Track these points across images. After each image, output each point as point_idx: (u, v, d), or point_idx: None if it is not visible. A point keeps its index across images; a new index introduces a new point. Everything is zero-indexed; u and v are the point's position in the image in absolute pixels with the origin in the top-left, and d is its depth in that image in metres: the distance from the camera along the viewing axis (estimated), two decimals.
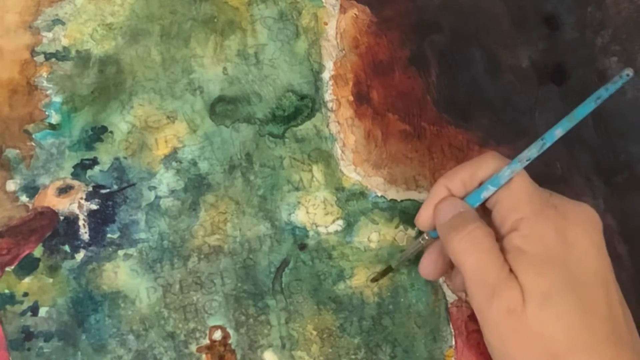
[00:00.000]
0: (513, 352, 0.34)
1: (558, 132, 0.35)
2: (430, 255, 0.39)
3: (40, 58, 0.44)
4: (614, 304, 0.34)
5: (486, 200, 0.36)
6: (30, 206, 0.42)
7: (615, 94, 0.45)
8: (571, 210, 0.35)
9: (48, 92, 0.44)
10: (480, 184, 0.36)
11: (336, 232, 0.42)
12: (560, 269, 0.33)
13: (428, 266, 0.39)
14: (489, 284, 0.34)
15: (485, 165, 0.36)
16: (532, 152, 0.35)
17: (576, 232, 0.34)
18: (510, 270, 0.34)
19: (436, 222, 0.37)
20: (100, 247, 0.41)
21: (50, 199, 0.42)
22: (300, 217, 0.43)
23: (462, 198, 0.37)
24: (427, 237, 0.38)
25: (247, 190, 0.43)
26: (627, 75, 0.34)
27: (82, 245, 0.41)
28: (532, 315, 0.33)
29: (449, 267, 0.39)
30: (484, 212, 0.37)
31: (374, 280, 0.41)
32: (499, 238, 0.35)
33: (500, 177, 0.35)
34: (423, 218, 0.38)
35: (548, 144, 0.35)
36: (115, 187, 0.42)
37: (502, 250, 0.35)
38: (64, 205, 0.42)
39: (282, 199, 0.43)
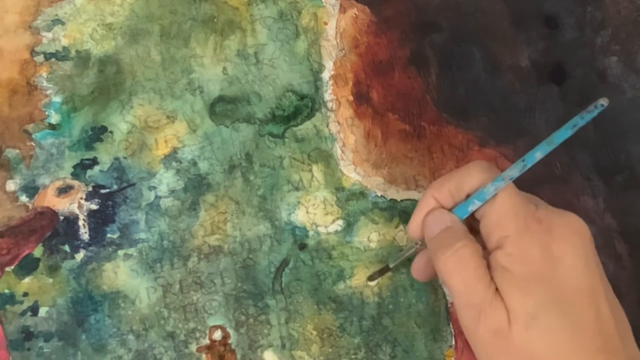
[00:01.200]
0: None
1: (538, 154, 0.36)
2: (421, 258, 0.39)
3: (40, 58, 0.44)
4: (604, 316, 0.33)
5: (474, 212, 0.36)
6: (30, 206, 0.42)
7: (614, 93, 0.45)
8: (557, 223, 0.35)
9: (48, 92, 0.44)
10: (467, 196, 0.36)
11: (336, 232, 0.42)
12: (546, 287, 0.33)
13: (419, 269, 0.39)
14: (475, 305, 0.34)
15: (471, 177, 0.36)
16: (513, 172, 0.36)
17: (562, 247, 0.34)
18: (497, 289, 0.34)
19: (425, 235, 0.37)
20: (100, 247, 0.41)
21: (50, 199, 0.42)
22: (300, 217, 0.43)
23: (451, 209, 0.37)
24: (419, 242, 0.38)
25: (247, 190, 0.43)
26: (602, 105, 0.35)
27: (82, 245, 0.41)
28: (518, 336, 0.33)
29: None
30: (474, 220, 0.37)
31: (371, 279, 0.41)
32: (486, 251, 0.35)
33: (485, 193, 0.35)
34: (413, 229, 0.38)
35: (529, 165, 0.36)
36: (115, 187, 0.42)
37: (489, 266, 0.35)
38: (64, 205, 0.42)
39: (282, 199, 0.43)
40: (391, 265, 0.41)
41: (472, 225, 0.37)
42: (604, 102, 0.35)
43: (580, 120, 0.36)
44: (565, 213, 0.35)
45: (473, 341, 0.35)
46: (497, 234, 0.35)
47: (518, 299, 0.33)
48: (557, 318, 0.33)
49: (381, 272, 0.41)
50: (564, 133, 0.36)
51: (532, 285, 0.33)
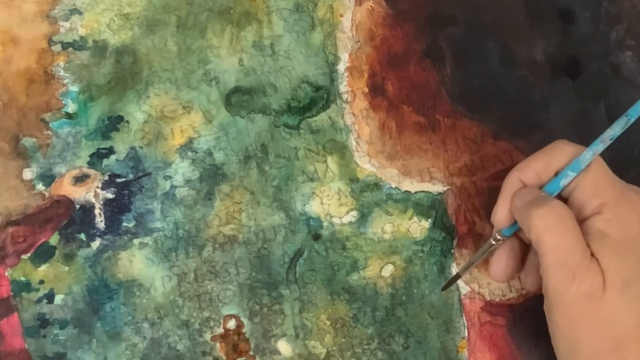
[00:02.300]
0: (581, 336, 0.34)
1: None
2: (500, 256, 0.38)
3: (57, 47, 0.44)
4: None
5: (563, 189, 0.36)
6: (47, 195, 0.42)
7: (626, 86, 0.45)
8: None
9: (65, 82, 0.44)
10: (556, 174, 0.36)
11: (350, 223, 0.43)
12: (638, 255, 0.33)
13: (499, 268, 0.39)
14: (570, 267, 0.33)
15: (560, 153, 0.36)
16: (615, 130, 0.34)
17: None
18: (592, 254, 0.34)
19: (514, 208, 0.36)
20: (115, 235, 0.42)
21: (67, 188, 0.42)
22: (314, 207, 0.43)
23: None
24: (499, 237, 0.38)
25: (262, 181, 0.43)
26: None
27: (97, 233, 0.42)
28: (610, 301, 0.33)
29: (520, 269, 0.39)
30: None
31: (443, 289, 0.41)
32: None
33: (581, 161, 0.35)
34: (501, 214, 0.37)
35: (633, 119, 0.34)
36: (131, 176, 0.43)
37: (582, 233, 0.34)
38: (80, 194, 0.42)
39: (296, 190, 0.43)
40: (462, 273, 0.40)
41: None
42: None
43: None
44: None
45: (557, 304, 0.34)
46: (594, 201, 0.35)
47: (615, 264, 0.33)
48: None
49: (452, 281, 0.41)
50: None
51: (629, 251, 0.33)
